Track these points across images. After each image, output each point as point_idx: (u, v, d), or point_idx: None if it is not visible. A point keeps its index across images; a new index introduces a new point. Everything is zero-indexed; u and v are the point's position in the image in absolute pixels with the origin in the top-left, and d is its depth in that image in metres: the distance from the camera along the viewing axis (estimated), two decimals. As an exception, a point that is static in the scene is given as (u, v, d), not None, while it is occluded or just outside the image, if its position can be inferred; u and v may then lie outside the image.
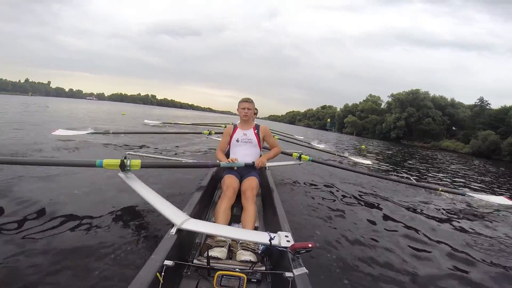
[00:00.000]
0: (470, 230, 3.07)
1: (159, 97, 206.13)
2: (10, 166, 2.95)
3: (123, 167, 1.96)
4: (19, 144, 4.53)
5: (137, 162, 2.00)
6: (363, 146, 17.34)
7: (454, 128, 44.48)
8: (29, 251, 1.62)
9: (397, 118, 45.88)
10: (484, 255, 2.44)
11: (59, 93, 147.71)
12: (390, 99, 53.43)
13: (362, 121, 58.17)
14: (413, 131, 45.34)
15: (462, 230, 3.08)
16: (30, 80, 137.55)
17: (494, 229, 3.25)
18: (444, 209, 3.86)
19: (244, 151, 2.50)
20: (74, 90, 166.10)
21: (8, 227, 1.87)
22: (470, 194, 4.31)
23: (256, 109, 3.99)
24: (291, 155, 4.01)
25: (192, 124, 11.97)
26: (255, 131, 2.56)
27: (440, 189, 4.16)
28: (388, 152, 17.20)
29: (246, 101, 2.51)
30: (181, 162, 2.81)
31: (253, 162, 2.34)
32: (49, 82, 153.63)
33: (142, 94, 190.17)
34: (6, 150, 4.02)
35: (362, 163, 7.18)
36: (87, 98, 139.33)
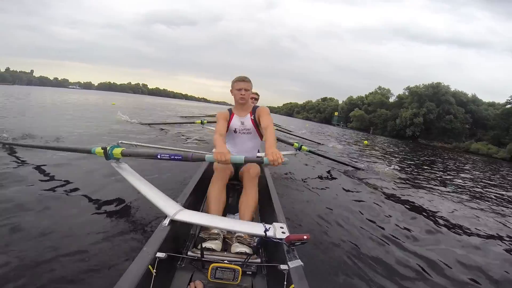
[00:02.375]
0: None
1: (150, 86, 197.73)
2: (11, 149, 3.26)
3: (106, 155, 1.89)
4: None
5: (118, 150, 1.87)
6: (365, 142, 15.64)
7: (474, 128, 39.28)
8: (16, 240, 1.61)
9: (414, 114, 40.20)
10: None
11: (43, 82, 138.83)
12: (405, 93, 47.68)
13: (369, 115, 52.80)
14: (432, 129, 40.02)
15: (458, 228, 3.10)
16: (11, 69, 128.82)
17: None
18: (441, 203, 4.11)
19: (244, 144, 2.16)
20: (60, 79, 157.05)
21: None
22: None
23: (257, 94, 3.28)
24: (292, 144, 4.20)
25: (185, 117, 11.99)
26: (252, 117, 2.12)
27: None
28: (409, 154, 14.47)
29: (243, 80, 2.02)
30: (163, 156, 1.87)
31: (261, 157, 1.57)
32: (31, 71, 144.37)
33: (134, 83, 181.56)
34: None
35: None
36: (70, 87, 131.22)
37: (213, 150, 1.71)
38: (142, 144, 3.52)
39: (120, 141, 3.01)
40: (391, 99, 54.32)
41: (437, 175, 7.63)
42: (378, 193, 4.04)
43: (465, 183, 6.92)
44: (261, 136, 2.20)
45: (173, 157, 1.69)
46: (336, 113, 65.93)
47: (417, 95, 41.08)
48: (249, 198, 1.78)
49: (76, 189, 2.49)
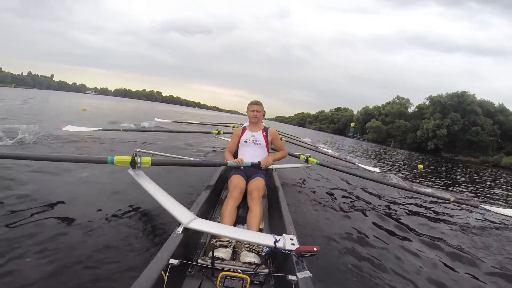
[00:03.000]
0: (481, 243, 2.99)
1: (164, 94, 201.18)
2: (21, 160, 3.01)
3: (133, 164, 1.98)
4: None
5: (147, 159, 2.01)
6: (420, 166, 12.59)
7: (500, 140, 36.46)
8: (35, 246, 1.62)
9: (437, 125, 37.71)
10: (491, 263, 2.47)
11: (62, 87, 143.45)
12: (425, 102, 45.42)
13: (386, 127, 50.56)
14: (456, 141, 37.48)
15: (472, 241, 3.03)
16: (33, 73, 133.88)
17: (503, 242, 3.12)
18: (456, 220, 3.82)
19: (252, 152, 2.52)
20: (78, 84, 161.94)
21: (16, 222, 1.87)
22: (484, 206, 4.07)
23: (264, 110, 3.47)
24: (298, 157, 4.13)
25: (201, 124, 12.02)
26: (264, 133, 2.61)
27: (451, 199, 4.21)
28: (435, 168, 13.38)
29: (255, 104, 2.58)
30: (190, 160, 2.56)
31: (259, 162, 2.35)
32: (52, 76, 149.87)
33: (148, 90, 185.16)
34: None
35: (372, 171, 6.71)
36: (86, 92, 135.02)
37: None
38: (158, 153, 3.61)
39: (138, 150, 2.95)
40: (410, 109, 52.05)
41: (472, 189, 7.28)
42: (393, 207, 3.94)
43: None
44: (268, 148, 2.63)
45: (203, 162, 2.14)
46: (352, 124, 63.16)
47: (440, 105, 38.63)
48: (254, 215, 1.91)
49: (92, 197, 2.58)
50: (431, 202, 4.63)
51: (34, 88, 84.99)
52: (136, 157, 1.96)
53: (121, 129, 6.05)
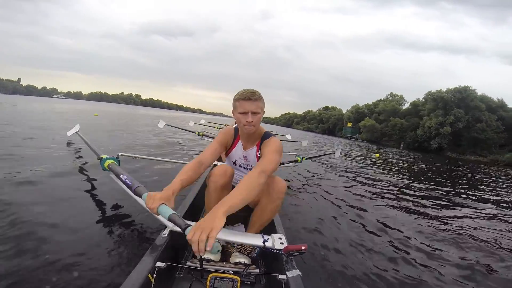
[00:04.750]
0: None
1: (144, 97, 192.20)
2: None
3: (101, 165, 1.98)
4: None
5: (107, 163, 1.96)
6: (377, 155, 14.29)
7: (506, 137, 33.71)
8: (14, 252, 1.55)
9: (440, 122, 34.59)
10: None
11: (30, 91, 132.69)
12: (419, 99, 42.59)
13: (380, 125, 47.45)
14: (461, 140, 34.46)
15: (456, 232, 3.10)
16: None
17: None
18: (442, 211, 4.03)
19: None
20: (48, 88, 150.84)
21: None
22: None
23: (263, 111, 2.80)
24: (294, 159, 4.19)
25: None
26: (258, 153, 1.55)
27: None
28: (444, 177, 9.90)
29: (249, 99, 1.38)
30: (125, 181, 1.77)
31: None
32: (19, 80, 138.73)
33: (126, 93, 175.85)
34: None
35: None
36: (54, 96, 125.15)
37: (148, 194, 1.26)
38: (143, 156, 3.53)
39: (120, 154, 2.69)
40: (404, 107, 49.28)
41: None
42: (379, 202, 4.07)
43: None
44: None
45: (126, 182, 1.54)
46: (349, 124, 57.80)
47: (442, 101, 35.52)
48: (267, 212, 1.50)
49: (73, 197, 2.50)
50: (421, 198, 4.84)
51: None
52: (103, 158, 2.00)
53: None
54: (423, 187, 6.29)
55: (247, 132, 1.47)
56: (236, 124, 1.62)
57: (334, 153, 6.27)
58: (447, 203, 4.77)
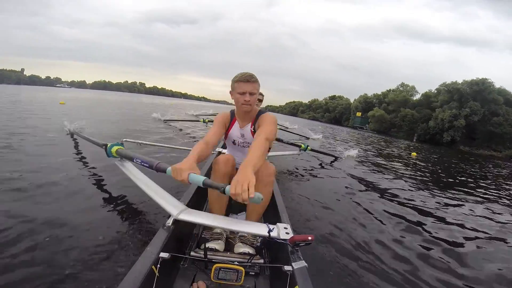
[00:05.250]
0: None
1: (148, 85, 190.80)
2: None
3: (106, 152, 1.97)
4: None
5: (115, 149, 1.95)
6: (413, 154, 12.46)
7: None
8: (17, 241, 1.56)
9: (454, 115, 33.08)
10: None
11: (34, 81, 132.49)
12: (438, 89, 40.65)
13: (390, 116, 46.05)
14: (476, 133, 33.14)
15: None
16: (0, 68, 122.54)
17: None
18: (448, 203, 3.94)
19: (242, 157, 1.73)
20: (52, 77, 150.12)
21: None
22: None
23: (261, 94, 2.95)
24: (298, 146, 4.41)
25: (192, 115, 12.61)
26: (252, 128, 1.70)
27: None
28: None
29: (247, 81, 1.54)
30: (143, 162, 1.81)
31: (224, 186, 1.31)
32: (22, 70, 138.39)
33: (130, 81, 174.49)
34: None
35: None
36: (57, 85, 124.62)
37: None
38: (147, 142, 3.50)
39: (124, 139, 2.82)
40: (415, 98, 47.58)
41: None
42: (385, 192, 3.99)
43: None
44: None
45: (143, 163, 1.59)
46: (359, 114, 55.90)
47: (458, 93, 33.84)
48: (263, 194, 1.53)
49: (77, 186, 2.46)
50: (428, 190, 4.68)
51: (1, 84, 75.99)
52: (108, 145, 1.94)
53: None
54: (442, 181, 6.27)
55: (244, 110, 1.61)
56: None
57: (337, 157, 6.18)
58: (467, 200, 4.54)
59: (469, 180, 7.12)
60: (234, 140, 1.77)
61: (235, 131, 1.74)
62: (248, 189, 1.05)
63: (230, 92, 1.63)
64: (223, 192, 1.13)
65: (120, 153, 1.90)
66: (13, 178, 2.43)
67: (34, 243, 1.55)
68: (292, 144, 4.52)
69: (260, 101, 2.84)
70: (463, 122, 32.29)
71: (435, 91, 41.93)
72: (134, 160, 1.66)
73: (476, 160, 17.13)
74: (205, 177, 1.21)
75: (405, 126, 41.94)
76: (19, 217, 1.80)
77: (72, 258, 1.47)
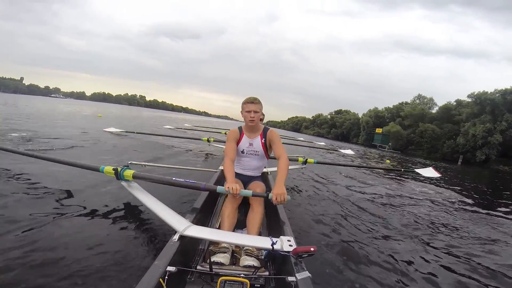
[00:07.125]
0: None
1: (149, 98, 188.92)
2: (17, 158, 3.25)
3: (117, 175, 1.99)
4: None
5: (129, 172, 1.98)
6: (387, 161, 12.82)
7: None
8: (27, 254, 1.59)
9: (488, 130, 29.22)
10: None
11: (32, 90, 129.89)
12: (451, 102, 37.31)
13: (406, 132, 42.12)
14: (510, 151, 29.04)
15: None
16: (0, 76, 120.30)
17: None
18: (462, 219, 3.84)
19: (250, 163, 2.22)
20: (51, 87, 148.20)
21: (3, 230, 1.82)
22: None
23: (262, 113, 3.31)
24: (296, 160, 4.23)
25: (191, 129, 12.75)
26: (262, 140, 2.16)
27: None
28: None
29: (252, 102, 2.05)
30: (175, 180, 2.08)
31: (268, 193, 1.69)
32: (21, 79, 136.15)
33: (130, 94, 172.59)
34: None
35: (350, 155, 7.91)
36: (51, 95, 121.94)
37: (225, 184, 1.68)
38: (152, 164, 3.48)
39: (129, 162, 2.87)
40: (434, 110, 43.99)
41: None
42: (387, 203, 3.94)
43: None
44: (268, 156, 2.25)
45: (185, 183, 1.76)
46: (379, 130, 48.02)
47: (490, 105, 30.10)
48: (255, 215, 1.84)
49: (86, 206, 2.48)
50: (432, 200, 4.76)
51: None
52: (119, 169, 1.97)
53: (135, 132, 7.66)
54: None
55: (250, 125, 2.08)
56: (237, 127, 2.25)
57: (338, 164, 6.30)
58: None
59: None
60: (243, 150, 2.16)
61: (244, 142, 2.16)
62: (284, 198, 1.57)
63: (241, 112, 2.10)
64: (267, 197, 1.63)
65: (142, 177, 1.97)
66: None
67: (39, 256, 1.59)
68: (291, 160, 4.07)
69: (261, 120, 3.09)
70: (499, 137, 28.27)
71: (454, 103, 38.36)
72: (173, 181, 1.86)
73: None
74: (252, 191, 1.70)
75: (426, 144, 37.84)
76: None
77: (84, 270, 1.52)
